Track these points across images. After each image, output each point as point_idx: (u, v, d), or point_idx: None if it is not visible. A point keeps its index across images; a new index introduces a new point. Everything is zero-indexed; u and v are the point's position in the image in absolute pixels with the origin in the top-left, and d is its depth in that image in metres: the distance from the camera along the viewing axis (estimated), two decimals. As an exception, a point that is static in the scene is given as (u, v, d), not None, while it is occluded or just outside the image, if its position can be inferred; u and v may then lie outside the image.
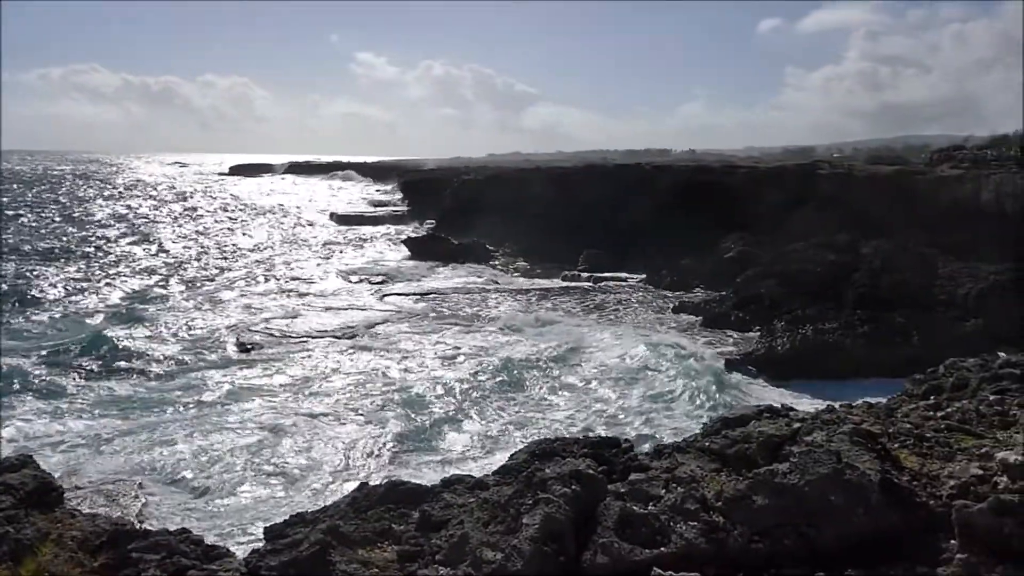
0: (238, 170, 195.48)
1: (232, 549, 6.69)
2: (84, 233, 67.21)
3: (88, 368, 27.58)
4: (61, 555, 4.55)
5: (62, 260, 52.18)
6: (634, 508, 4.88)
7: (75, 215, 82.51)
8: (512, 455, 7.85)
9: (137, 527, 5.36)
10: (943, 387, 7.26)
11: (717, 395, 25.20)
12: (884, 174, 44.36)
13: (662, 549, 4.55)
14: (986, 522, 4.24)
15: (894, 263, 35.91)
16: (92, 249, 58.21)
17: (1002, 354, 7.84)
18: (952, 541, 4.43)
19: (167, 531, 5.51)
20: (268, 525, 6.80)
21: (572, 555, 4.69)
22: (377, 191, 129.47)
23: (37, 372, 26.53)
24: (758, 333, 33.75)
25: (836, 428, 5.46)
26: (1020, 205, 32.74)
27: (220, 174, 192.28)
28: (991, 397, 6.30)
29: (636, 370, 28.16)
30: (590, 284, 48.50)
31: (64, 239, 62.72)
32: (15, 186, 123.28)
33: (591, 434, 8.42)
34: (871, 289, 34.62)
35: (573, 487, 5.07)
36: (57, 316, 35.69)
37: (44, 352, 28.87)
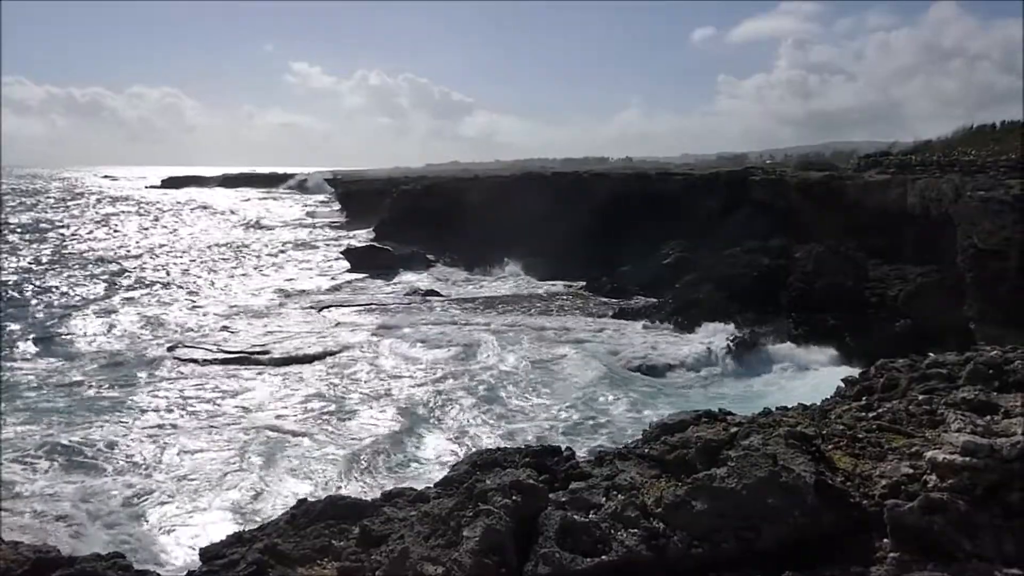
0: (171, 183, 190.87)
1: (166, 573, 6.49)
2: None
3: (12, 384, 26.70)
4: (-20, 587, 4.36)
5: None
6: (575, 517, 4.87)
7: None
8: (453, 466, 7.80)
9: (63, 553, 5.16)
10: (874, 388, 7.42)
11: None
12: (814, 179, 45.41)
13: (603, 557, 4.55)
14: (916, 520, 4.33)
15: (826, 266, 36.81)
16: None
17: (930, 354, 8.05)
18: (885, 540, 4.52)
19: (97, 556, 5.32)
20: (204, 546, 6.63)
21: (514, 566, 4.65)
22: (314, 202, 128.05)
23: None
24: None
25: (772, 431, 5.53)
26: (943, 209, 33.82)
27: (151, 187, 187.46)
28: (920, 397, 6.46)
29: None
30: (531, 292, 48.73)
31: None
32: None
33: (533, 444, 8.41)
34: (805, 292, 35.48)
35: (514, 497, 5.04)
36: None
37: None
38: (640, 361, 30.65)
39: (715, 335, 33.21)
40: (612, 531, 4.74)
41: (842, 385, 8.11)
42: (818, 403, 7.59)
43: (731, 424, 6.12)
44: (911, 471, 5.00)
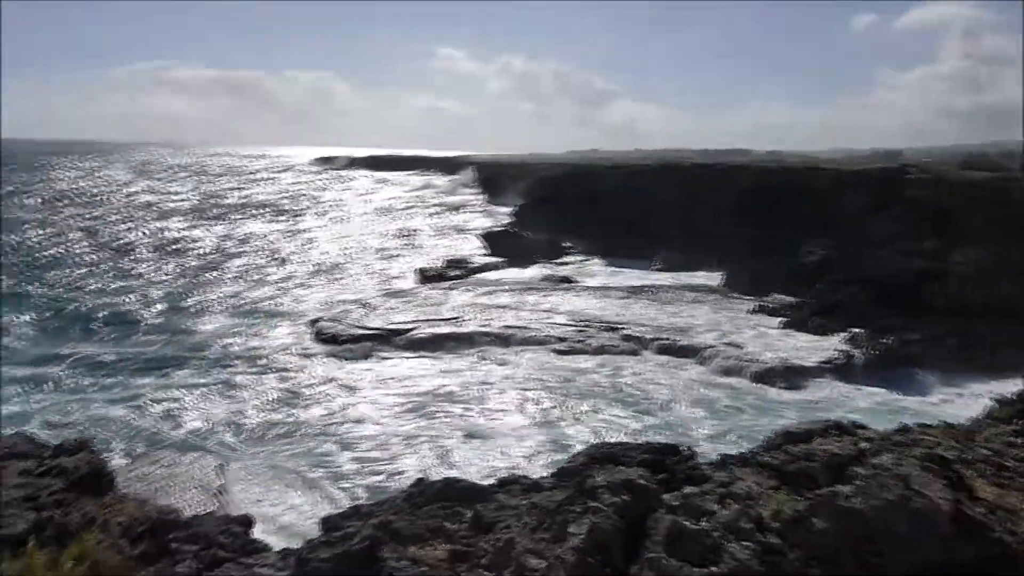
0: (320, 163, 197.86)
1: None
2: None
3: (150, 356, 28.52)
4: (105, 541, 4.63)
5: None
6: (685, 523, 4.70)
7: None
8: (571, 457, 7.77)
9: (181, 516, 5.44)
10: (1030, 410, 6.84)
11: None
12: (977, 179, 42.52)
13: (713, 568, 4.36)
14: (1068, 562, 3.95)
15: (987, 273, 34.47)
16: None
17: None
18: (1029, 580, 4.15)
19: (212, 517, 5.58)
20: (325, 515, 6.88)
21: (619, 568, 4.55)
22: (455, 185, 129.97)
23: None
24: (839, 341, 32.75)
25: (907, 451, 5.16)
26: None
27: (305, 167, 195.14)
28: (1083, 424, 5.90)
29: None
30: (667, 284, 47.88)
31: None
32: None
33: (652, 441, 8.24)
34: (960, 299, 33.35)
35: (624, 496, 4.92)
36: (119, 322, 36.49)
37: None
38: (773, 364, 29.52)
39: (857, 340, 31.67)
40: (724, 541, 4.54)
41: (994, 405, 7.50)
42: (964, 423, 7.05)
43: (861, 439, 5.76)
44: (1065, 507, 4.56)
